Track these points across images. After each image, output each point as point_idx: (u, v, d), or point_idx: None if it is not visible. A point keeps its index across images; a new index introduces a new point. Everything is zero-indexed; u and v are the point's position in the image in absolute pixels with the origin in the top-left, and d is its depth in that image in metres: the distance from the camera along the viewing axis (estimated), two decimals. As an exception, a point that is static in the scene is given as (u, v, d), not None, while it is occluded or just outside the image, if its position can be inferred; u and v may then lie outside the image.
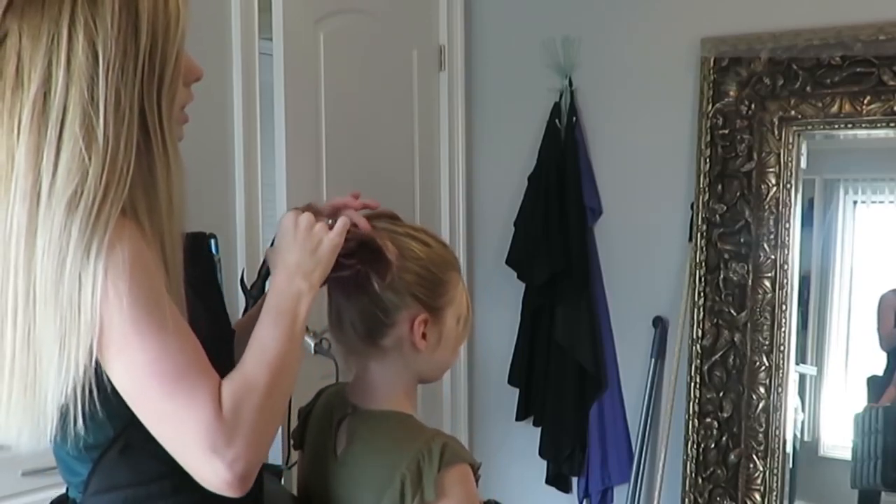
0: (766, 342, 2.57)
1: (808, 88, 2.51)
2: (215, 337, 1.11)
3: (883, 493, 2.64)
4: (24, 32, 0.96)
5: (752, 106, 2.59)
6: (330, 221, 1.17)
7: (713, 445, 2.64)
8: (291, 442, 1.36)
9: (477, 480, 1.18)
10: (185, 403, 0.97)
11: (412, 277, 1.20)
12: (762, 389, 2.58)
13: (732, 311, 2.62)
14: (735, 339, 2.61)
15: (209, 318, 1.11)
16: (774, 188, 2.56)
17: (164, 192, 1.02)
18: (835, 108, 2.49)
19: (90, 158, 0.95)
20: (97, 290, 0.94)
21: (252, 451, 1.00)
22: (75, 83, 0.96)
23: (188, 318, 1.03)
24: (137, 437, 1.02)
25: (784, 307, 2.56)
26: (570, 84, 2.90)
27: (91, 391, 0.96)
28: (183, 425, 0.97)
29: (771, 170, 2.57)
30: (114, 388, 0.98)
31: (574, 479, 2.97)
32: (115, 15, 0.97)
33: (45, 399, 0.97)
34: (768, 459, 2.57)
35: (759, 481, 2.58)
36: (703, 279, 2.65)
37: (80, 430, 0.98)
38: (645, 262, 2.84)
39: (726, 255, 2.63)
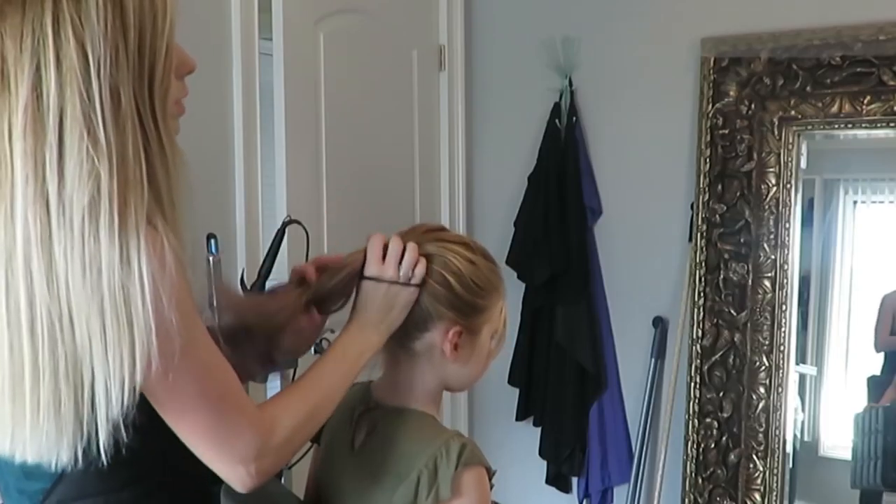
0: (766, 342, 2.57)
1: (808, 88, 2.51)
2: None
3: (885, 494, 2.63)
4: (5, 34, 0.92)
5: (752, 106, 2.59)
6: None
7: (713, 445, 2.64)
8: None
9: (491, 487, 1.18)
10: (233, 420, 1.02)
11: (450, 294, 1.20)
12: (762, 389, 2.58)
13: (732, 311, 2.62)
14: (735, 339, 2.61)
15: None
16: (774, 188, 2.56)
17: (165, 191, 0.98)
18: (835, 108, 2.49)
19: (98, 161, 0.91)
20: (147, 299, 0.91)
21: (279, 464, 1.09)
22: (68, 84, 0.92)
23: None
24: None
25: (784, 307, 2.56)
26: (570, 84, 2.90)
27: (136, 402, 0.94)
28: (227, 441, 1.02)
29: (771, 170, 2.57)
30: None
31: (574, 479, 2.97)
32: (100, 11, 0.93)
33: (88, 415, 0.93)
34: (768, 459, 2.57)
35: (759, 481, 2.58)
36: (703, 279, 2.65)
37: (131, 441, 0.95)
38: (645, 262, 2.84)
39: (726, 255, 2.63)
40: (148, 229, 0.94)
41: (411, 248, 1.20)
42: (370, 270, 1.20)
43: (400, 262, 1.19)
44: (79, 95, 0.92)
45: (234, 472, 1.04)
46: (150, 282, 0.91)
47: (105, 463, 0.96)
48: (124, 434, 0.94)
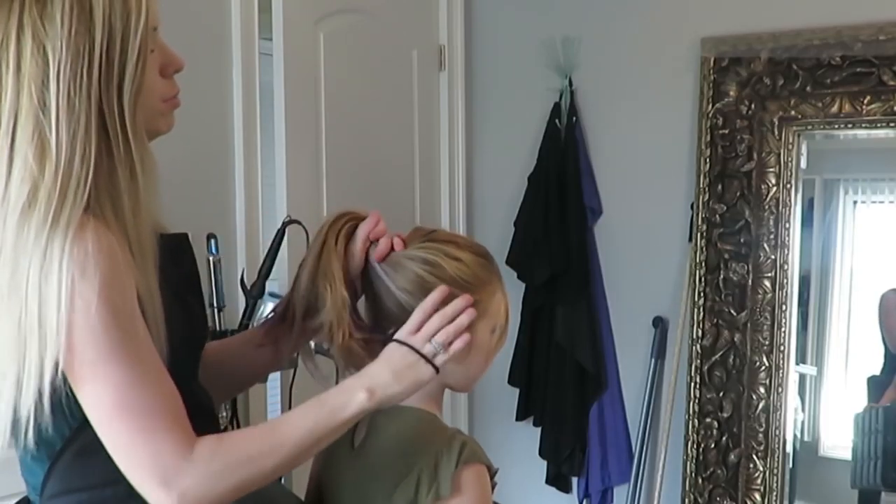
0: (766, 342, 2.57)
1: (808, 88, 2.51)
2: (187, 339, 1.09)
3: (883, 494, 2.63)
4: None
5: (752, 106, 2.59)
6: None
7: (713, 445, 2.64)
8: None
9: (493, 487, 1.18)
10: (153, 437, 0.95)
11: (430, 290, 1.17)
12: (762, 389, 2.58)
13: (732, 311, 2.62)
14: (735, 339, 2.61)
15: (185, 319, 1.09)
16: (774, 188, 2.56)
17: (127, 192, 0.98)
18: (835, 108, 2.49)
19: (42, 166, 0.92)
20: (63, 302, 0.91)
21: (206, 497, 0.97)
22: (25, 88, 0.93)
23: (164, 318, 1.01)
24: (94, 439, 0.99)
25: (784, 307, 2.56)
26: (570, 84, 2.90)
27: (47, 402, 0.93)
28: (144, 458, 0.96)
29: (771, 170, 2.57)
30: (72, 393, 0.96)
31: (574, 479, 2.97)
32: (64, 15, 0.93)
33: None
34: (768, 459, 2.57)
35: (759, 481, 2.58)
36: (703, 279, 2.65)
37: (31, 440, 0.95)
38: (645, 262, 2.84)
39: (726, 255, 2.63)
40: (78, 233, 0.92)
41: (456, 323, 1.11)
42: (401, 333, 1.12)
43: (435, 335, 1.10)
44: (34, 100, 0.93)
45: (156, 496, 0.96)
46: (68, 286, 0.91)
47: (70, 458, 0.98)
48: (32, 430, 0.94)
